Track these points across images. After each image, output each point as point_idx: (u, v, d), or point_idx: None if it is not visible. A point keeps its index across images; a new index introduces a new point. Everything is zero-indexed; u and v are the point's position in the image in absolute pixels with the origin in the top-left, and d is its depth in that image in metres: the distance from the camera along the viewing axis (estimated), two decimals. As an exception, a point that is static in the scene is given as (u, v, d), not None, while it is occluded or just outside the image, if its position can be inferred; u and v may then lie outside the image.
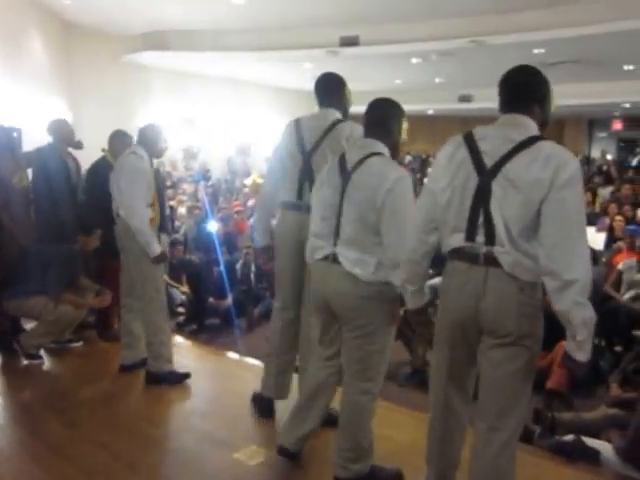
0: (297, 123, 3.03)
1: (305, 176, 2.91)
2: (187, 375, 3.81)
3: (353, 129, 2.88)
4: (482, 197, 1.88)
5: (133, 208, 3.60)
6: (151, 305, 3.71)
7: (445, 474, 2.20)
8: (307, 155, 2.91)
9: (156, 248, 3.65)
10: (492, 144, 1.91)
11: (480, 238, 1.89)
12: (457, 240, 1.95)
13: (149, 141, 3.83)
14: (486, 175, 1.88)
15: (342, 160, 2.44)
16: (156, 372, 3.72)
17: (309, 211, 2.68)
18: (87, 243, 4.43)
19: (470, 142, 1.95)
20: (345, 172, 2.39)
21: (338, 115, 2.98)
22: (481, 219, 1.88)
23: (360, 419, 2.47)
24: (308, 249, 2.57)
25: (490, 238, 1.86)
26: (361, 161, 2.35)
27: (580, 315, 1.76)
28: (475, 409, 2.05)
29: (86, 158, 4.88)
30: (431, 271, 2.44)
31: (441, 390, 2.14)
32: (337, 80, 3.05)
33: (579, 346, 1.80)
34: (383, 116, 2.45)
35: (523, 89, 1.99)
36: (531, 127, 1.95)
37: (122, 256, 3.87)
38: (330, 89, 3.04)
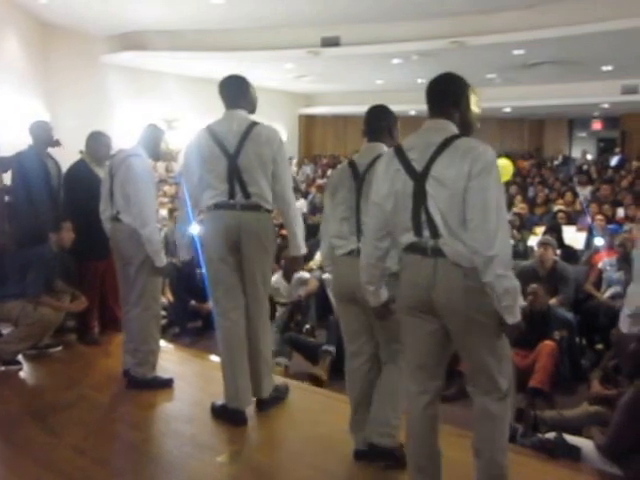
0: (209, 130, 3.11)
1: (234, 177, 3.03)
2: (170, 381, 3.77)
3: (269, 131, 3.08)
4: (419, 198, 2.13)
5: (145, 217, 3.51)
6: (147, 313, 3.66)
7: (424, 465, 2.28)
8: (232, 158, 3.02)
9: (163, 258, 3.60)
10: (418, 151, 2.17)
11: (426, 233, 2.13)
12: (408, 237, 2.19)
13: (151, 142, 3.76)
14: (418, 179, 2.13)
15: (352, 165, 2.71)
16: (139, 378, 3.68)
17: (242, 209, 3.02)
18: (62, 239, 4.28)
19: (400, 154, 2.21)
20: (358, 175, 2.66)
21: (248, 116, 3.13)
22: (423, 217, 2.13)
23: (393, 394, 2.69)
24: (325, 249, 2.84)
25: (433, 232, 2.11)
26: (372, 163, 2.58)
27: (502, 285, 2.03)
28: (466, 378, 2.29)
29: (64, 159, 4.81)
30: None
31: (414, 378, 2.29)
32: (242, 81, 3.19)
33: (507, 311, 2.06)
34: (387, 123, 2.75)
35: (441, 96, 2.26)
36: (450, 129, 2.19)
37: (119, 262, 3.76)
38: (236, 91, 3.16)
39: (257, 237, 3.09)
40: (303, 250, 3.23)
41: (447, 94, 2.24)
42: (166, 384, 3.75)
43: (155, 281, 3.68)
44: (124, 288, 3.80)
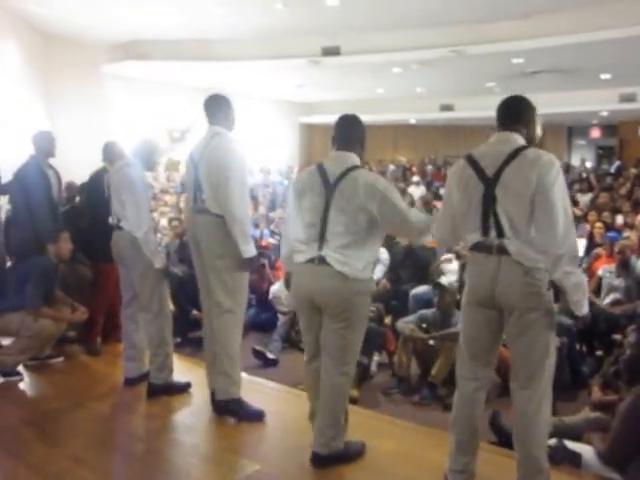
0: (193, 146, 3.45)
1: (197, 185, 3.32)
2: (188, 384, 3.81)
3: (220, 142, 3.27)
4: (489, 201, 2.38)
5: (141, 220, 3.63)
6: (158, 317, 3.70)
7: (466, 442, 2.51)
8: (195, 167, 3.33)
9: (162, 259, 3.72)
10: (489, 159, 2.42)
11: (492, 233, 2.37)
12: (475, 237, 2.43)
13: (144, 156, 3.88)
14: (489, 184, 2.38)
15: (322, 170, 2.74)
16: (160, 384, 3.70)
17: (196, 212, 3.31)
18: (59, 250, 4.28)
19: (472, 162, 2.46)
20: (328, 183, 2.69)
21: (220, 130, 3.35)
22: (491, 219, 2.37)
23: (339, 398, 2.79)
24: (286, 252, 2.91)
25: (500, 233, 2.35)
26: (345, 174, 2.67)
27: (570, 281, 2.30)
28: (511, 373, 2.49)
29: (64, 168, 4.84)
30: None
31: (467, 366, 2.54)
32: (222, 100, 3.43)
33: (577, 305, 2.35)
34: (360, 134, 2.84)
35: (514, 114, 2.52)
36: (518, 141, 2.44)
37: (122, 269, 3.85)
38: (215, 108, 3.39)
39: (207, 239, 3.30)
40: (249, 253, 3.26)
41: (519, 114, 2.51)
42: (184, 389, 3.79)
43: (162, 284, 3.74)
44: (127, 294, 3.88)
